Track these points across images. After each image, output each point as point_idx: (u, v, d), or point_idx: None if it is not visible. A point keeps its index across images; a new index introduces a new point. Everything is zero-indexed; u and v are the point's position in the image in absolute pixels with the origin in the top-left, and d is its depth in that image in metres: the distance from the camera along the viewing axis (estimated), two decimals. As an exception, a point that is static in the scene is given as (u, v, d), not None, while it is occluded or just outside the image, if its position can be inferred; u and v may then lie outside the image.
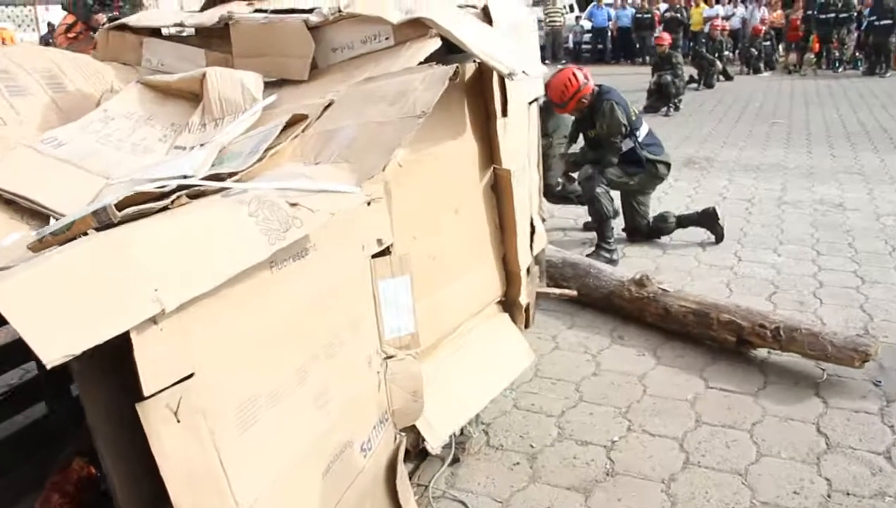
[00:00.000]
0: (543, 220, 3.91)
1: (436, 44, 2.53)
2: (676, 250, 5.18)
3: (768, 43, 18.13)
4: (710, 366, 3.52)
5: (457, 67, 2.14)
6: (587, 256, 4.84)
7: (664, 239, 5.35)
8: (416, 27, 2.59)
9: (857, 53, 17.96)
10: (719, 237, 5.21)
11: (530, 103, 3.56)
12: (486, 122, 2.91)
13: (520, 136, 3.42)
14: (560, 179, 5.32)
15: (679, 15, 18.14)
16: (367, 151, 2.00)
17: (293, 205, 1.69)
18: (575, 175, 5.17)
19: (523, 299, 3.22)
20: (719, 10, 19.08)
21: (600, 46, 21.04)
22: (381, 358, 2.25)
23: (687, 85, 14.30)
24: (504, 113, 3.13)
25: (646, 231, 5.23)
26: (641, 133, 4.90)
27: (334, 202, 1.79)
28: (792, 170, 7.54)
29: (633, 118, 4.86)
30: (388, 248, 2.29)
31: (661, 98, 11.41)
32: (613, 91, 4.90)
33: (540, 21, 21.11)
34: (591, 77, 4.86)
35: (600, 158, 4.90)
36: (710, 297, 3.80)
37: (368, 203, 1.90)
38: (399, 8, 2.64)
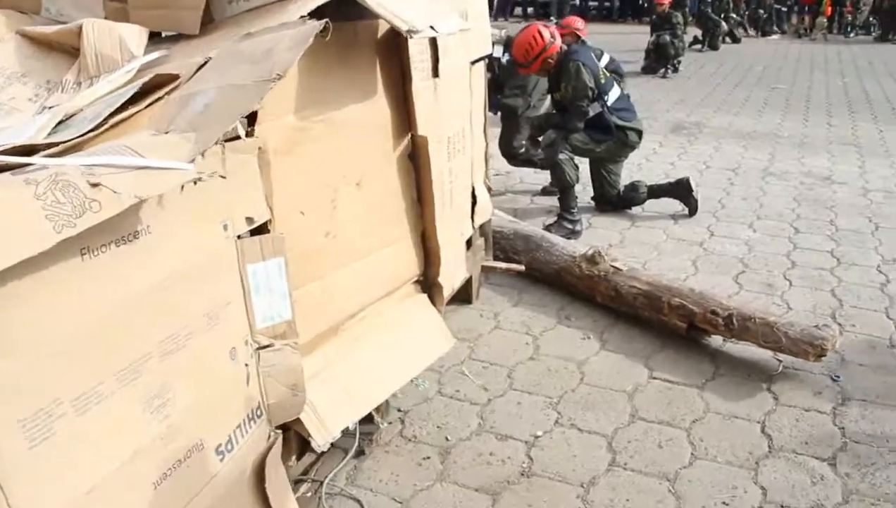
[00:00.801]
0: (490, 189, 3.63)
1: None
2: (646, 223, 4.90)
3: (779, 5, 17.56)
4: (658, 353, 3.27)
5: (326, 23, 1.86)
6: (548, 226, 4.59)
7: (634, 210, 5.07)
8: (314, -26, 2.29)
9: (871, 18, 17.36)
10: (693, 210, 4.93)
11: (474, 63, 3.27)
12: (404, 84, 2.62)
13: (458, 98, 3.14)
14: (524, 143, 5.03)
15: (687, -28, 17.55)
16: (215, 119, 1.73)
17: (94, 186, 1.42)
18: (540, 139, 4.86)
19: (444, 278, 2.96)
20: (730, -33, 18.37)
21: (607, 3, 20.46)
22: (251, 349, 2.00)
23: (690, 46, 13.90)
24: (435, 73, 2.85)
25: (615, 201, 4.95)
26: (611, 97, 4.59)
27: (152, 181, 1.52)
28: (784, 139, 7.21)
29: (603, 81, 4.54)
30: (265, 225, 2.04)
31: (660, 59, 11.02)
32: (582, 50, 4.58)
33: (547, -25, 20.59)
34: (557, 35, 4.53)
35: (565, 123, 4.59)
36: (665, 278, 3.53)
37: (195, 182, 1.62)
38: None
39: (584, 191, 5.17)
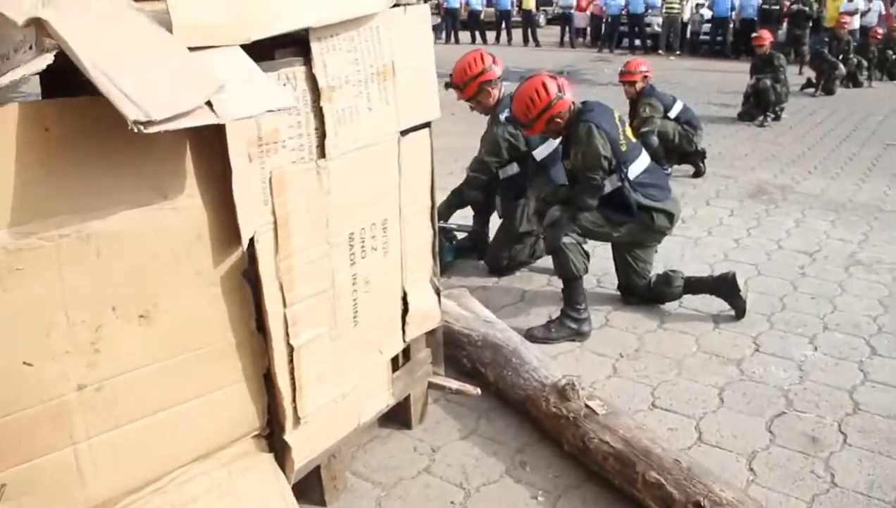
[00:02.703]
0: (438, 292, 2.78)
1: (46, 60, 1.48)
2: (677, 324, 3.91)
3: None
4: (624, 547, 2.33)
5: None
6: (549, 323, 3.68)
7: (669, 304, 4.08)
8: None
9: None
10: (740, 313, 3.91)
11: (406, 133, 2.45)
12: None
13: (370, 182, 2.34)
14: (531, 225, 4.13)
15: (807, 8, 16.06)
16: None
17: None
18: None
19: (302, 432, 2.16)
20: (860, 3, 16.62)
21: (720, 39, 19.05)
22: None
23: (803, 89, 12.56)
24: (321, 153, 2.06)
25: (644, 294, 3.99)
26: (635, 169, 3.65)
27: None
28: (886, 215, 6.00)
29: (624, 147, 3.60)
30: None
31: (759, 105, 9.81)
32: (599, 109, 3.65)
33: (657, 7, 19.42)
34: (568, 88, 3.62)
35: (574, 198, 3.68)
36: (649, 436, 2.58)
37: None
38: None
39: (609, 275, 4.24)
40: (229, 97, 1.52)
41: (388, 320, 2.62)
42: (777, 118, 9.92)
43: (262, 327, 2.03)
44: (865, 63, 13.81)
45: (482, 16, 22.15)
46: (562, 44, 21.72)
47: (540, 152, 4.29)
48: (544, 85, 3.56)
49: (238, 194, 1.81)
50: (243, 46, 1.76)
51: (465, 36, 22.43)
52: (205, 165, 1.79)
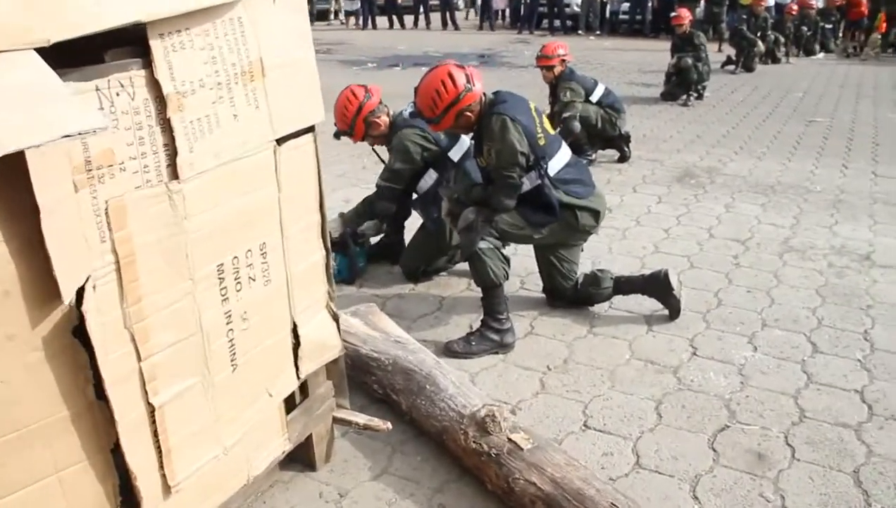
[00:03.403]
0: (336, 318, 2.43)
1: None
2: (609, 328, 3.63)
3: (830, 25, 16.00)
4: None
5: None
6: (469, 335, 3.35)
7: (599, 307, 3.80)
8: None
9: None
10: (674, 312, 3.65)
11: (283, 141, 2.08)
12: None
13: (240, 203, 1.95)
14: (449, 223, 3.75)
15: (723, -15, 16.12)
16: None
17: None
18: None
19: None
20: (776, -19, 16.75)
21: (639, 17, 19.01)
22: None
23: (723, 67, 12.54)
24: (174, 174, 1.68)
25: (570, 296, 3.69)
26: (555, 164, 3.34)
27: None
28: (815, 195, 5.86)
29: (542, 141, 3.28)
30: None
31: (681, 84, 9.67)
32: (513, 100, 3.31)
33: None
34: (477, 78, 3.28)
35: (489, 199, 3.35)
36: (582, 473, 2.27)
37: None
38: None
39: (533, 276, 3.94)
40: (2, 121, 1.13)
41: (276, 357, 2.26)
42: (700, 97, 9.81)
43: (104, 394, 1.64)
44: (783, 39, 13.88)
45: (400, 0, 21.71)
46: (481, 27, 21.42)
47: (456, 152, 3.95)
48: (451, 76, 3.21)
49: (53, 237, 1.41)
50: (44, 50, 1.37)
51: (382, 21, 21.98)
52: (6, 203, 1.39)
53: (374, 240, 4.44)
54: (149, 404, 1.82)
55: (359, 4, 22.09)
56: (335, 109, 3.99)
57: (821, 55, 15.48)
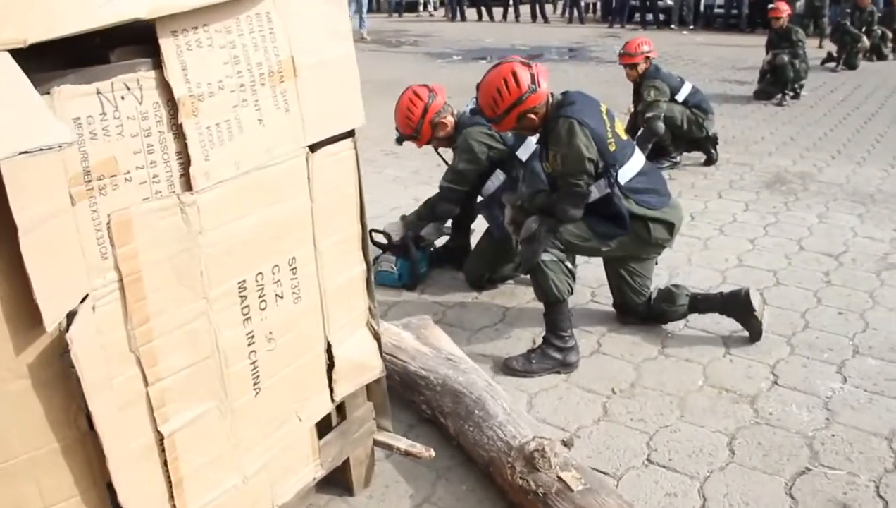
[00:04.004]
0: (377, 336, 2.26)
1: None
2: (682, 349, 3.36)
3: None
4: None
5: None
6: (530, 352, 3.14)
7: (672, 325, 3.53)
8: None
9: None
10: (755, 334, 3.35)
11: (317, 147, 1.91)
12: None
13: (266, 215, 1.80)
14: (512, 233, 3.50)
15: (826, -23, 15.27)
16: None
17: None
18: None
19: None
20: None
21: (735, 11, 18.25)
22: None
23: (823, 64, 11.87)
24: (187, 186, 1.54)
25: (642, 313, 3.43)
26: (626, 172, 3.08)
27: None
28: (919, 205, 5.39)
29: (613, 147, 3.03)
30: None
31: (776, 83, 9.15)
32: (582, 101, 3.07)
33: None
34: (544, 78, 3.05)
35: (553, 207, 3.12)
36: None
37: None
38: None
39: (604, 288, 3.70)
40: None
41: (307, 379, 2.10)
42: (796, 96, 9.27)
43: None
44: (890, 35, 13.05)
45: (488, -8, 21.50)
46: (570, 20, 20.99)
47: (524, 151, 3.72)
48: (514, 74, 2.99)
49: (35, 257, 1.27)
50: (40, 49, 1.23)
51: (471, 13, 21.80)
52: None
53: (439, 243, 4.25)
54: (157, 431, 1.68)
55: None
56: (397, 112, 3.82)
57: (931, 52, 14.49)
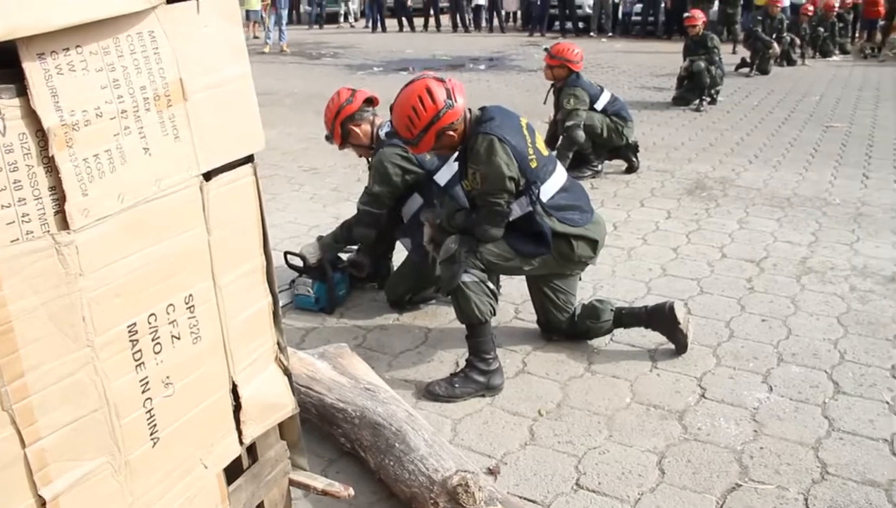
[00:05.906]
0: (287, 372, 2.11)
1: None
2: (608, 366, 3.31)
3: (842, 24, 15.55)
4: None
5: None
6: (453, 376, 3.04)
7: (598, 340, 3.47)
8: None
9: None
10: (680, 347, 3.31)
11: (211, 176, 1.76)
12: None
13: (157, 251, 1.64)
14: (431, 251, 3.39)
15: (737, -15, 15.69)
16: None
17: None
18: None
19: None
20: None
21: (651, 19, 18.62)
22: None
23: (737, 69, 12.17)
24: (64, 224, 1.37)
25: (567, 329, 3.36)
26: (548, 189, 3.01)
27: None
28: (834, 208, 5.50)
29: (535, 163, 2.95)
30: None
31: (694, 89, 9.32)
32: (501, 116, 2.98)
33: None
34: (460, 92, 2.96)
35: (473, 227, 3.02)
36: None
37: None
38: None
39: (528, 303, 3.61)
40: None
41: (212, 424, 1.95)
42: (713, 102, 9.46)
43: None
44: (798, 41, 13.48)
45: (409, 2, 21.41)
46: (491, 29, 21.10)
47: (443, 175, 3.61)
48: (429, 91, 2.88)
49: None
50: None
51: (392, 24, 21.73)
52: None
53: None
54: (38, 496, 1.51)
55: (366, 7, 21.82)
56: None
57: (836, 57, 15.04)
